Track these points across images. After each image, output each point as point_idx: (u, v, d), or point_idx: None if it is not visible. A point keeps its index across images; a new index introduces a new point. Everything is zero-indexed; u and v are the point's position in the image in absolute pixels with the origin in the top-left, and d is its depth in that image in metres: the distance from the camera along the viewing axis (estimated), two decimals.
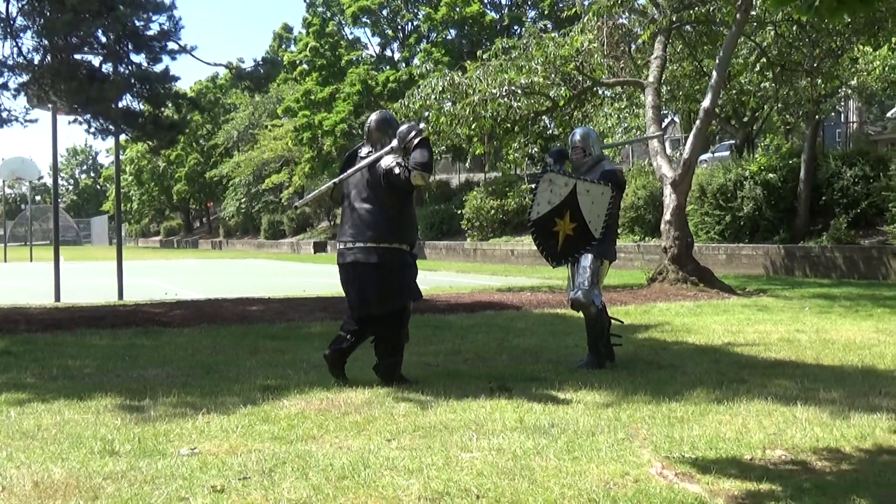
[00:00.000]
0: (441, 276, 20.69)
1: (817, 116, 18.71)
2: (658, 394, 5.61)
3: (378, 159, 6.06)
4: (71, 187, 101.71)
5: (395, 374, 6.09)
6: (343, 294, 6.44)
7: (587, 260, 6.77)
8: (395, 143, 6.08)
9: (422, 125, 6.73)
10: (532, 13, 34.28)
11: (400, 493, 3.64)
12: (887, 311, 10.72)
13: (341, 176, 6.27)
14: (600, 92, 17.40)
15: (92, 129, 12.85)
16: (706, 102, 14.10)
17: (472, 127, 15.37)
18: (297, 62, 37.87)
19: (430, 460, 4.09)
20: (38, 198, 78.37)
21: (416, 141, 5.99)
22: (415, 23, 35.75)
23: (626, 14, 16.03)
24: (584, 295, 6.71)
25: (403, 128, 6.14)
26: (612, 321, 7.10)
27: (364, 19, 36.19)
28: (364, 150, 6.29)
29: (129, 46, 12.07)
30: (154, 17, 12.07)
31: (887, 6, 12.90)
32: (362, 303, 6.10)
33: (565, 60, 15.31)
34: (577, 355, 7.19)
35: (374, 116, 6.40)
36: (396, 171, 5.93)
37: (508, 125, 15.81)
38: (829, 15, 3.47)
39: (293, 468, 3.99)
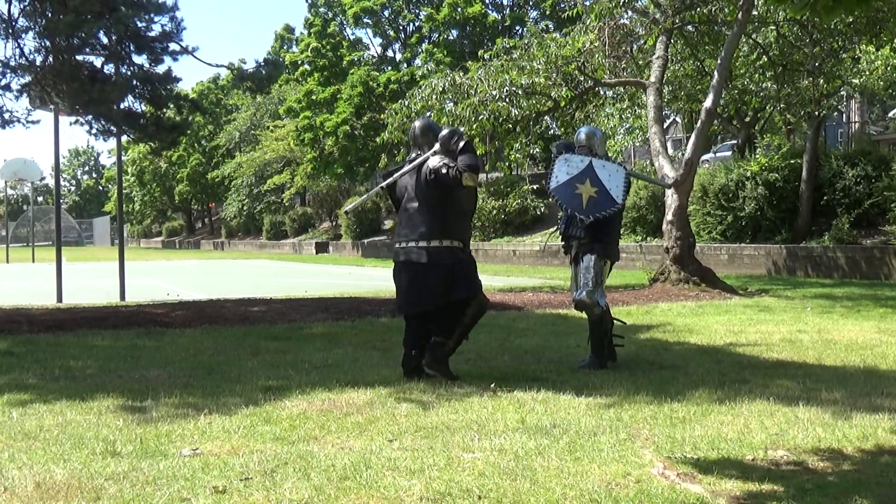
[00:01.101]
0: None
1: (819, 116, 18.70)
2: (660, 394, 5.61)
3: (425, 161, 6.33)
4: (73, 188, 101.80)
5: (440, 356, 6.22)
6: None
7: (590, 261, 6.77)
8: (437, 146, 6.34)
9: (462, 129, 6.95)
10: (534, 13, 34.27)
11: (402, 494, 3.64)
12: (889, 311, 10.71)
13: (388, 180, 6.59)
14: (602, 92, 17.40)
15: (94, 131, 12.85)
16: (708, 102, 14.10)
17: (474, 127, 15.37)
18: (299, 63, 37.86)
19: (432, 461, 4.10)
20: (40, 199, 78.47)
21: (461, 145, 6.24)
22: (416, 23, 35.74)
23: (628, 14, 16.03)
24: (587, 295, 6.72)
25: (445, 133, 6.38)
26: (615, 321, 7.11)
27: (366, 20, 36.17)
28: (412, 156, 6.54)
29: (131, 47, 12.07)
30: (156, 19, 12.06)
31: (888, 6, 12.90)
32: (416, 300, 6.32)
33: (567, 61, 15.32)
34: (579, 356, 7.19)
35: (417, 123, 6.69)
36: (444, 171, 6.15)
37: (510, 125, 15.81)
38: (826, 13, 3.46)
39: (295, 469, 4.00)
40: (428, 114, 15.57)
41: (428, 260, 6.20)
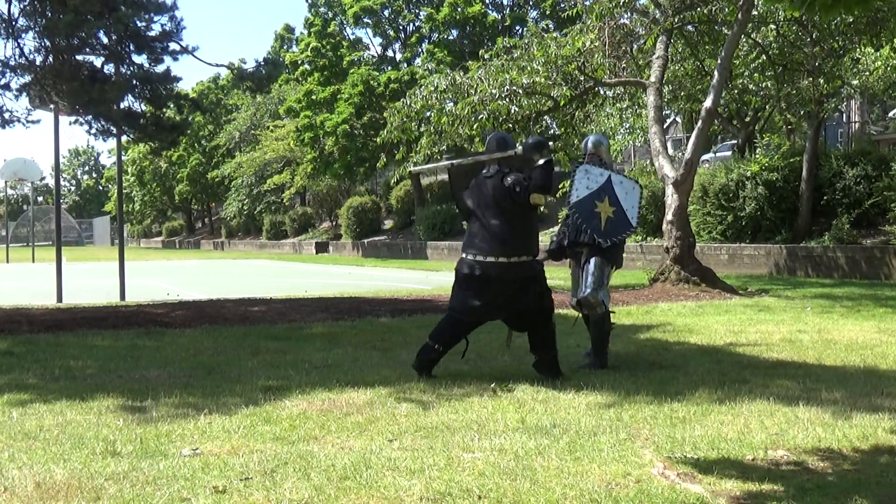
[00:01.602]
0: (443, 276, 20.68)
1: (819, 116, 18.70)
2: (660, 394, 5.61)
3: (498, 160, 6.34)
4: (73, 188, 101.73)
5: (557, 367, 6.34)
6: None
7: (597, 262, 6.81)
8: (519, 149, 6.33)
9: (550, 144, 6.91)
10: (534, 13, 34.24)
11: (402, 494, 3.64)
12: (889, 311, 10.71)
13: (459, 161, 6.53)
14: (602, 92, 17.40)
15: (93, 130, 12.85)
16: (708, 102, 14.10)
17: (474, 127, 15.37)
18: (299, 63, 37.83)
19: (432, 461, 4.10)
20: (40, 198, 78.45)
21: (541, 162, 6.22)
22: (416, 23, 35.71)
23: (628, 14, 16.03)
24: (592, 294, 6.75)
25: (532, 142, 6.34)
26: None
27: (366, 20, 36.12)
28: (491, 170, 6.43)
29: (131, 47, 12.07)
30: (156, 18, 12.06)
31: (888, 6, 12.89)
32: (491, 310, 6.37)
33: (567, 60, 15.32)
34: (579, 356, 7.19)
35: (493, 136, 6.62)
36: (517, 189, 6.20)
37: (510, 125, 15.81)
38: (825, 12, 3.46)
39: (295, 469, 4.00)
40: (428, 113, 15.57)
41: (514, 275, 6.23)
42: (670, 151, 17.60)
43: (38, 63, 11.90)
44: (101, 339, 8.89)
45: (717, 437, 4.51)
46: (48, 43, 11.72)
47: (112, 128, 12.63)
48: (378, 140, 20.40)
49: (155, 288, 17.48)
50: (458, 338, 6.50)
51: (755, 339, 8.31)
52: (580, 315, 7.16)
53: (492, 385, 5.91)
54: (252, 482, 3.82)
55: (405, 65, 34.88)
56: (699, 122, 14.50)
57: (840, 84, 18.44)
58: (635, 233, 7.31)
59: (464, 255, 6.44)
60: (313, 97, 34.86)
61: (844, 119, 28.87)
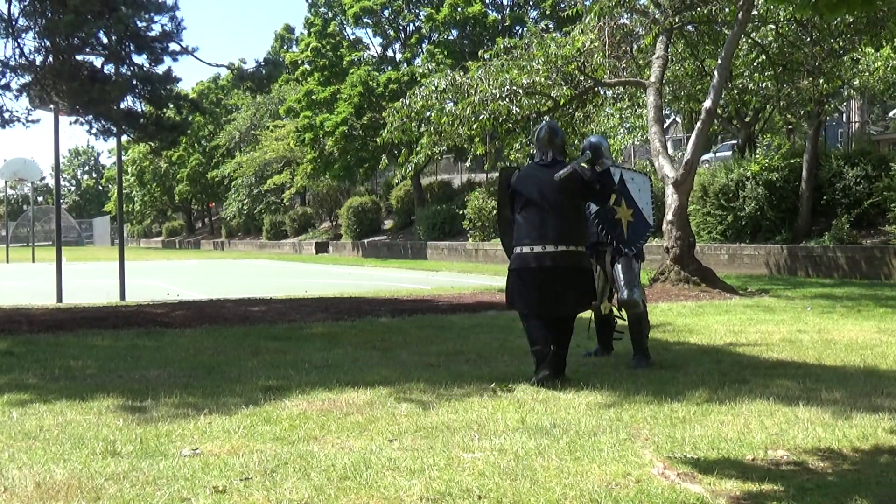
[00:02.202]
0: (443, 276, 20.70)
1: (819, 116, 18.70)
2: (660, 394, 5.61)
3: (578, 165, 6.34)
4: (73, 188, 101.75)
5: (564, 368, 6.23)
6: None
7: (624, 263, 6.90)
8: (588, 154, 6.37)
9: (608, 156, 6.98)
10: (534, 13, 34.23)
11: (402, 494, 3.64)
12: (890, 311, 10.71)
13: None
14: (602, 92, 17.40)
15: (93, 130, 12.86)
16: (708, 102, 14.10)
17: (474, 127, 15.36)
18: (299, 63, 37.83)
19: (432, 461, 4.10)
20: (40, 198, 78.46)
21: (598, 171, 6.31)
22: (416, 23, 35.70)
23: (628, 14, 16.03)
24: (629, 295, 6.84)
25: (602, 147, 6.50)
26: (618, 320, 7.20)
27: (366, 20, 36.10)
28: (541, 158, 6.44)
29: (131, 47, 12.07)
30: (156, 18, 12.06)
31: (889, 6, 12.88)
32: (551, 304, 6.21)
33: (567, 60, 15.32)
34: (579, 356, 7.19)
35: (544, 127, 6.62)
36: (598, 187, 6.29)
37: (510, 125, 15.81)
38: (829, 13, 3.47)
39: (295, 469, 4.00)
40: (428, 113, 15.55)
41: (573, 264, 6.19)
42: (670, 151, 17.60)
43: (38, 63, 11.90)
44: (101, 339, 8.89)
45: (717, 437, 4.51)
46: (48, 43, 11.72)
47: (112, 128, 12.64)
48: (378, 140, 20.39)
49: (155, 288, 17.48)
50: (540, 331, 6.21)
51: (755, 339, 8.31)
52: (593, 322, 7.19)
53: (492, 385, 5.91)
54: (252, 482, 3.82)
55: (405, 65, 34.87)
56: (699, 122, 14.49)
57: (840, 84, 18.43)
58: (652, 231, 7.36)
59: (519, 250, 6.26)
60: (313, 97, 34.86)
61: (844, 119, 28.85)
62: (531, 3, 34.37)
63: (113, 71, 12.14)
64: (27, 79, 11.99)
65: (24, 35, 11.78)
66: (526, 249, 6.24)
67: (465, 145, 17.47)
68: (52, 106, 13.22)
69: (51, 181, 56.54)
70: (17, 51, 11.71)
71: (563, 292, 6.18)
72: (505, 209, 6.55)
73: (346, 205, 38.45)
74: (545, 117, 15.47)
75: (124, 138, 14.84)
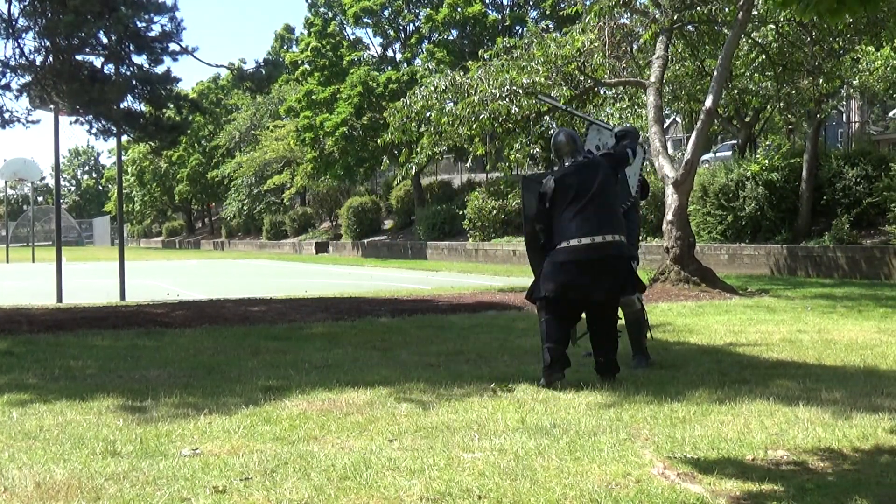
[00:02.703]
0: (443, 276, 20.70)
1: (819, 116, 18.69)
2: (660, 394, 5.61)
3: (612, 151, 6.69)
4: (73, 188, 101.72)
5: (617, 366, 6.27)
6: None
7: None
8: (629, 141, 6.76)
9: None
10: (534, 13, 34.23)
11: (402, 494, 3.64)
12: (890, 311, 10.71)
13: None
14: (602, 92, 17.39)
15: (93, 130, 12.86)
16: (708, 102, 14.10)
17: (474, 127, 15.36)
18: (299, 63, 37.82)
19: (432, 461, 4.10)
20: (40, 198, 78.45)
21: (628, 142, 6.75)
22: (416, 23, 35.69)
23: (628, 14, 16.03)
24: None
25: (634, 131, 7.02)
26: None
27: (366, 20, 36.09)
28: (572, 159, 6.48)
29: (131, 47, 12.07)
30: (156, 19, 12.05)
31: (889, 6, 12.89)
32: (586, 288, 6.17)
33: (567, 60, 15.32)
34: (579, 356, 7.19)
35: (560, 135, 6.62)
36: (627, 154, 6.64)
37: (510, 125, 15.81)
38: (830, 15, 3.48)
39: (295, 469, 4.00)
40: (427, 113, 15.54)
41: (620, 252, 6.26)
42: (670, 151, 17.60)
43: (38, 63, 11.90)
44: (101, 339, 8.89)
45: (717, 437, 4.51)
46: (48, 43, 11.72)
47: (112, 128, 12.64)
48: (380, 141, 20.39)
49: (155, 288, 17.48)
50: (557, 329, 6.17)
51: (755, 339, 8.31)
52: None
53: (492, 385, 5.91)
54: (252, 482, 3.82)
55: (405, 65, 34.87)
56: (699, 122, 14.50)
57: (840, 84, 18.44)
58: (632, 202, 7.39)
59: (566, 244, 6.13)
60: (313, 97, 34.86)
61: (844, 119, 28.86)
62: (531, 3, 34.36)
63: (113, 71, 12.14)
64: (27, 79, 11.99)
65: (24, 35, 11.79)
66: (576, 242, 6.11)
67: (466, 145, 17.47)
68: (52, 106, 13.22)
69: (51, 181, 56.56)
70: (17, 51, 11.72)
71: (599, 278, 6.17)
72: (532, 223, 6.41)
73: (346, 205, 38.45)
74: (545, 117, 15.50)
75: (124, 138, 14.85)
